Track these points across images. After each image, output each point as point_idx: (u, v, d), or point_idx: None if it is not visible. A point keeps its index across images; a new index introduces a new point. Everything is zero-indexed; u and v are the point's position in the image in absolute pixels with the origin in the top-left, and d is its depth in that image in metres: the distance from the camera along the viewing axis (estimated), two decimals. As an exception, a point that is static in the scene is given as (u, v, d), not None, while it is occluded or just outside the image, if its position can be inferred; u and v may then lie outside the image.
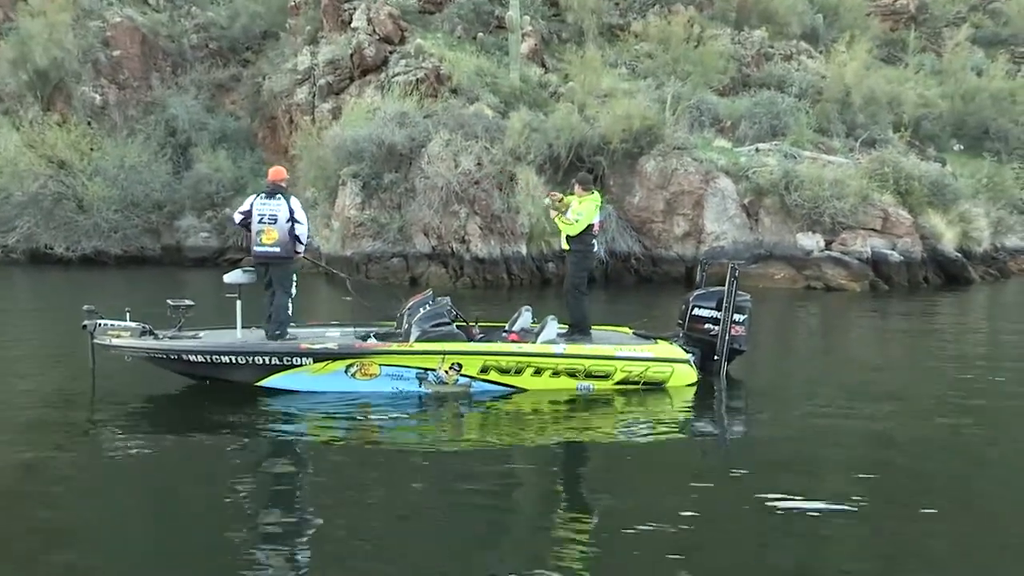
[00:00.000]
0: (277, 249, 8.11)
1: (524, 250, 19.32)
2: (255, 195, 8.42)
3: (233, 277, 8.32)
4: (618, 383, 8.21)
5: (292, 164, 23.42)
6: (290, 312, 8.33)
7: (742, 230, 19.70)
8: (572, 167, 20.09)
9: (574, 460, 6.51)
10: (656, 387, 8.29)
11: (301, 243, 8.29)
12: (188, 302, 8.32)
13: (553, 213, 9.06)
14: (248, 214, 8.25)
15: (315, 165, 21.16)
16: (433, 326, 8.12)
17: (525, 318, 8.89)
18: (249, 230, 8.34)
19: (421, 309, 8.31)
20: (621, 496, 5.50)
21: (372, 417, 7.42)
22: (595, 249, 8.96)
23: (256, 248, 8.17)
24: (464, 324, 8.59)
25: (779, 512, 5.16)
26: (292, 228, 8.12)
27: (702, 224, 19.85)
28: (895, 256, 19.09)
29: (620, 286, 19.50)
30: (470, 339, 8.39)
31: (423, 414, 7.69)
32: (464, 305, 15.74)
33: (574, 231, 8.69)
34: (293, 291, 8.33)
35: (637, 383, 8.23)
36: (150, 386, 8.24)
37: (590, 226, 8.70)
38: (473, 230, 19.09)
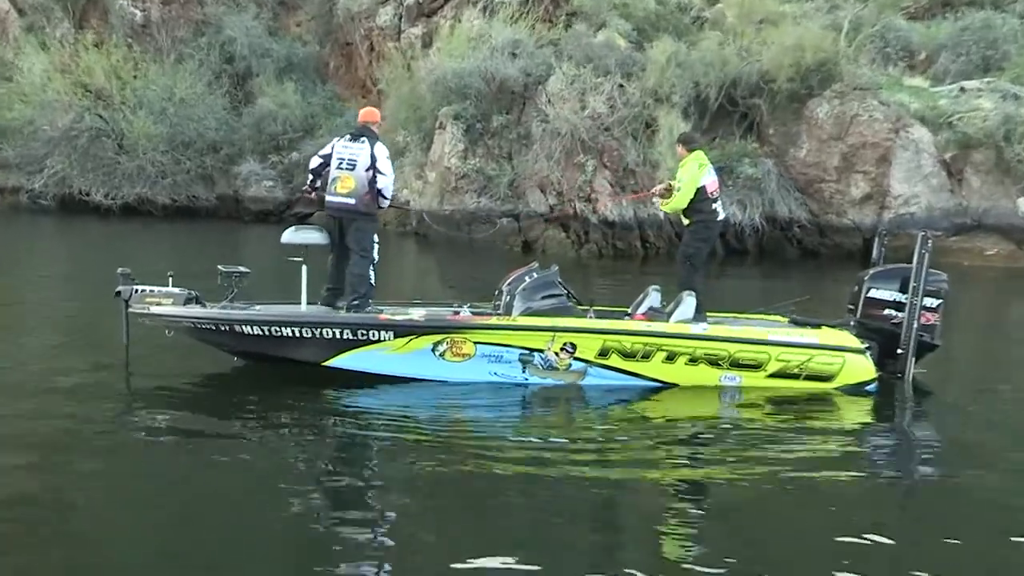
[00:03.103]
0: (352, 201, 8.13)
1: (662, 213, 18.88)
2: (339, 137, 8.62)
3: (299, 236, 8.33)
4: (772, 375, 8.01)
5: (375, 102, 24.08)
6: (372, 281, 8.34)
7: (940, 193, 19.32)
8: (722, 112, 20.13)
9: (707, 486, 6.09)
10: (821, 383, 8.04)
11: (384, 198, 8.38)
12: (243, 269, 8.33)
13: (661, 202, 9.33)
14: (327, 158, 8.37)
15: (405, 104, 21.61)
16: (542, 298, 8.04)
17: (653, 299, 8.75)
18: (317, 178, 8.54)
19: (526, 278, 8.27)
20: (767, 544, 5.11)
21: (460, 410, 7.41)
22: (719, 217, 8.98)
23: (329, 198, 8.27)
24: (576, 305, 8.49)
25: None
26: (373, 178, 8.15)
27: (887, 185, 19.49)
28: None
29: (777, 261, 19.52)
30: None
31: (526, 408, 7.63)
32: (587, 277, 16.17)
33: (682, 202, 8.80)
34: (375, 256, 8.35)
35: (797, 376, 8.00)
36: (194, 366, 8.35)
37: (701, 190, 8.75)
38: (602, 186, 19.20)
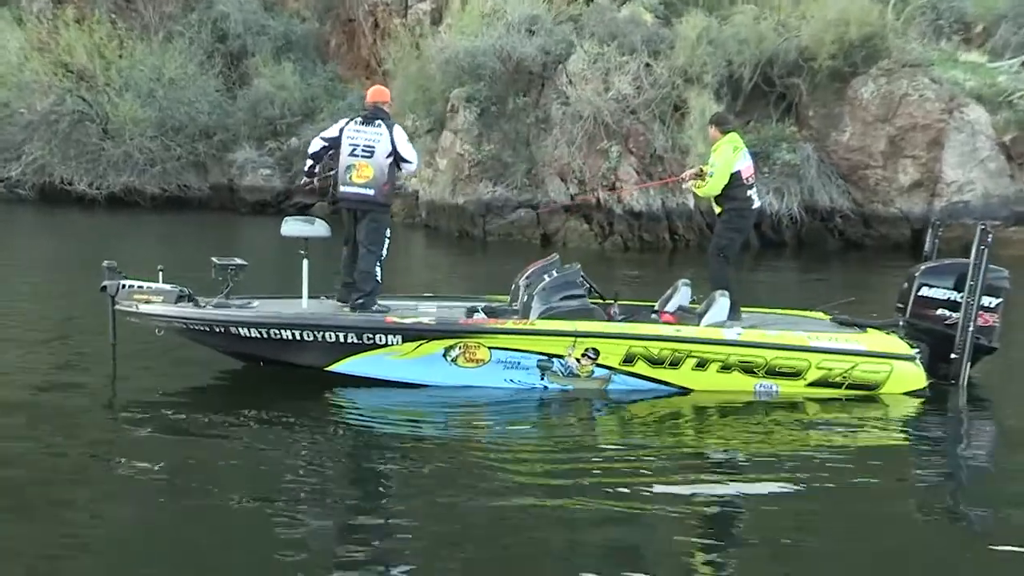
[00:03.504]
0: (370, 191, 8.00)
1: (692, 202, 19.07)
2: (347, 119, 8.36)
3: (299, 228, 8.28)
4: (812, 384, 7.93)
5: (380, 83, 23.80)
6: (379, 278, 8.24)
7: (998, 179, 19.01)
8: (757, 93, 20.06)
9: (741, 507, 5.94)
10: (866, 393, 7.95)
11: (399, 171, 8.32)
12: (239, 261, 8.27)
13: (696, 183, 9.29)
14: (334, 142, 8.16)
15: (413, 85, 21.38)
16: (562, 299, 7.97)
17: (683, 294, 8.78)
18: (317, 163, 8.41)
19: (545, 276, 8.21)
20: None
21: (473, 422, 7.40)
22: (754, 205, 8.94)
23: (343, 188, 8.10)
24: (599, 301, 8.48)
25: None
26: (394, 165, 8.09)
27: (939, 171, 19.19)
28: None
29: (817, 254, 19.31)
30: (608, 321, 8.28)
31: (543, 419, 7.61)
32: (611, 272, 15.97)
33: (716, 187, 8.72)
34: (384, 252, 8.26)
35: (839, 385, 7.92)
36: (187, 366, 8.34)
37: (735, 175, 8.69)
38: (627, 174, 18.90)
